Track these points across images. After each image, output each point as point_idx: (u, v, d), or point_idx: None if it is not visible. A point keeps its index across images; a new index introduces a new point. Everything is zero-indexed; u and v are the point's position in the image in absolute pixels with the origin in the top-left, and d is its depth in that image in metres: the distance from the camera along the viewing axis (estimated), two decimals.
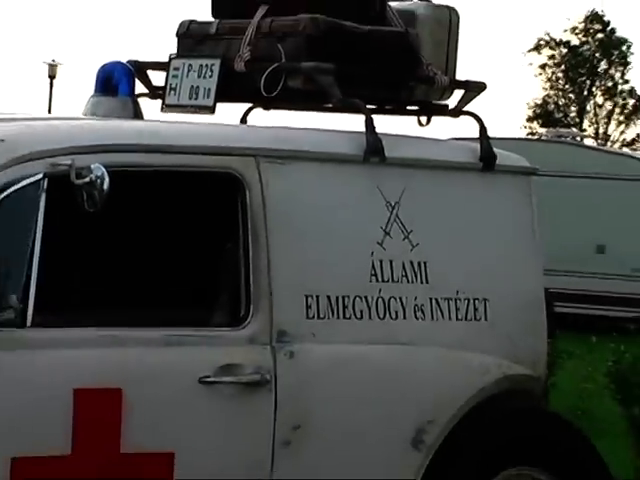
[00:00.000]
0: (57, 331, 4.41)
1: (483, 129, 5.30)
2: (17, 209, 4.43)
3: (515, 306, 5.33)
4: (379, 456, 4.90)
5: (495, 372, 5.18)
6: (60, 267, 4.59)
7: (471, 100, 5.45)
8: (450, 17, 5.44)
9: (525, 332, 5.36)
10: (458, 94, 5.56)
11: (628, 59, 57.15)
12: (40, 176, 4.36)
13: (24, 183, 4.36)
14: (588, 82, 55.77)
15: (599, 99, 56.01)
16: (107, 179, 4.24)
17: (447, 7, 5.51)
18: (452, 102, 5.64)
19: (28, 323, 4.30)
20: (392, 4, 5.36)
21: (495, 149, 5.29)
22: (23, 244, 4.38)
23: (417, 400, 4.96)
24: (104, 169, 4.25)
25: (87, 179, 4.24)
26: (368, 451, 4.89)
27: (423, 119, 5.61)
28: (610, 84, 55.75)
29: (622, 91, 55.50)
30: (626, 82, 55.83)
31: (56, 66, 39.47)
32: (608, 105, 55.73)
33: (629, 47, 56.89)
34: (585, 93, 56.10)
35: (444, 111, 5.59)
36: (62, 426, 4.30)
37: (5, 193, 4.32)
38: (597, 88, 56.14)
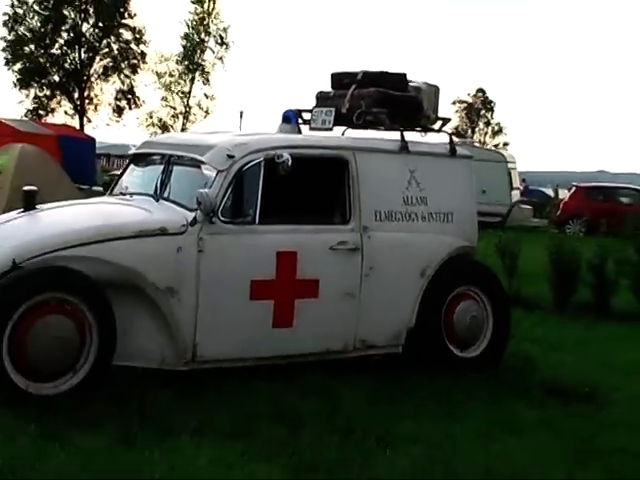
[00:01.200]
0: (269, 226, 7.44)
1: (451, 138, 8.81)
2: (252, 175, 7.41)
3: (465, 215, 8.72)
4: (407, 279, 8.14)
5: (457, 245, 8.57)
6: (269, 197, 7.38)
7: (445, 125, 8.92)
8: (435, 89, 8.89)
9: (469, 227, 8.79)
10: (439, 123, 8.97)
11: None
12: (262, 159, 7.47)
13: (254, 162, 7.44)
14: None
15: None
16: (290, 160, 7.29)
17: (434, 85, 8.88)
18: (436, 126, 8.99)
19: (257, 222, 7.43)
20: (411, 84, 8.73)
21: (455, 146, 8.80)
22: (254, 189, 7.37)
23: (423, 255, 8.26)
24: (289, 155, 7.31)
25: (282, 160, 7.30)
26: (401, 278, 8.08)
27: (423, 134, 8.95)
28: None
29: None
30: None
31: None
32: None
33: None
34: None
35: (433, 130, 9.01)
36: (272, 267, 7.40)
37: (246, 167, 7.40)
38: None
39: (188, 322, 7.26)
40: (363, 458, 6.02)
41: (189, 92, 54.19)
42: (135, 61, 54.26)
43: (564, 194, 40.92)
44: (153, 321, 7.23)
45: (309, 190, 8.14)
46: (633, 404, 8.12)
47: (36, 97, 53.17)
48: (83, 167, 32.01)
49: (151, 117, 54.71)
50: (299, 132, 8.95)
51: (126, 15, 52.94)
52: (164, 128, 52.81)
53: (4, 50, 52.31)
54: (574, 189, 32.99)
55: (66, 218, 7.56)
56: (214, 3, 54.28)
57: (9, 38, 52.25)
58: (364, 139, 8.65)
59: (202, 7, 54.43)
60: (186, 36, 54.51)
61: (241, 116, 46.44)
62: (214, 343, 7.40)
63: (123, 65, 53.83)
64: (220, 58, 54.78)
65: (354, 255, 7.94)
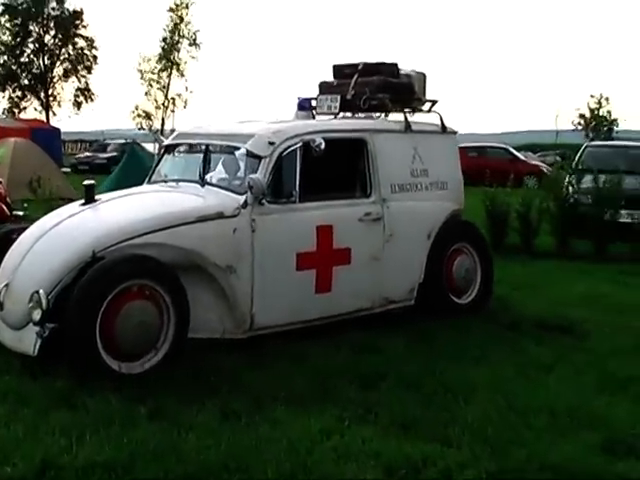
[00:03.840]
0: (308, 204, 6.62)
1: (441, 117, 7.98)
2: (290, 159, 6.55)
3: (455, 183, 8.00)
4: (417, 241, 7.40)
5: (451, 208, 7.85)
6: (305, 178, 6.57)
7: (433, 106, 8.05)
8: (423, 75, 8.07)
9: (459, 192, 8.07)
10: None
11: None
12: (299, 144, 6.61)
13: (293, 147, 6.57)
14: None
15: None
16: (323, 143, 6.52)
17: (421, 72, 8.04)
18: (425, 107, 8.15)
19: (297, 201, 6.57)
20: (402, 72, 7.93)
21: (445, 124, 8.01)
22: (293, 171, 6.54)
23: (429, 220, 7.53)
24: (321, 139, 6.55)
25: (316, 144, 6.51)
26: (413, 241, 7.35)
27: (411, 114, 8.03)
28: None
29: None
30: None
31: None
32: None
33: None
34: None
35: (423, 111, 8.18)
36: (313, 240, 6.57)
37: (286, 152, 6.52)
38: None
39: (245, 295, 6.35)
40: (445, 411, 5.19)
41: (167, 85, 52.63)
42: (89, 63, 52.87)
43: None
44: (215, 296, 6.29)
45: (337, 169, 7.23)
46: (609, 334, 7.48)
47: (10, 98, 52.26)
48: (52, 152, 32.01)
49: (137, 109, 53.40)
50: (313, 118, 8.01)
51: (80, 26, 51.07)
52: (148, 118, 51.56)
53: None
54: None
55: (131, 208, 6.48)
56: (186, 11, 53.55)
57: None
58: (377, 121, 7.80)
59: (176, 14, 53.38)
60: (164, 39, 53.36)
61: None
62: (268, 312, 6.49)
63: (79, 68, 52.17)
64: (193, 57, 53.94)
65: (377, 224, 7.17)
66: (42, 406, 5.02)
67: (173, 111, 53.39)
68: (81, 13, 51.65)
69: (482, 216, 12.63)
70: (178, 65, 53.07)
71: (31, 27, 51.67)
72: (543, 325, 7.63)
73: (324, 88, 8.09)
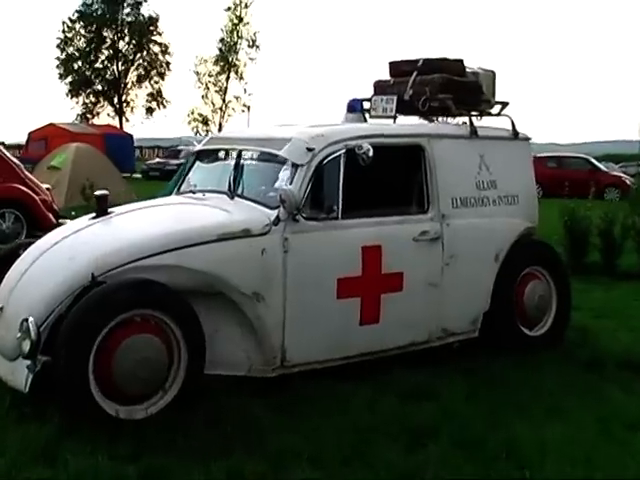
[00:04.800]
0: (352, 220, 5.68)
1: (512, 121, 6.90)
2: (332, 167, 5.63)
3: (528, 196, 6.90)
4: (483, 264, 6.38)
5: (523, 225, 6.76)
6: (350, 190, 5.62)
7: (504, 109, 7.07)
8: (492, 73, 7.05)
9: (532, 208, 6.96)
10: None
11: None
12: (343, 151, 5.66)
13: (335, 154, 5.65)
14: None
15: None
16: (371, 150, 5.50)
17: (490, 70, 7.03)
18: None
19: (340, 217, 5.62)
20: (468, 70, 6.93)
21: (517, 129, 6.91)
22: (336, 183, 5.62)
23: (497, 240, 6.50)
24: (369, 145, 5.53)
25: (362, 151, 5.51)
26: (478, 263, 6.33)
27: (479, 118, 7.04)
28: None
29: None
30: None
31: None
32: None
33: None
34: None
35: (492, 114, 7.16)
36: (357, 262, 5.62)
37: (327, 160, 5.60)
38: None
39: (276, 326, 5.41)
40: None
41: (225, 89, 51.83)
42: (162, 70, 52.49)
43: None
44: (239, 327, 5.37)
45: (388, 180, 6.21)
46: None
47: (84, 103, 52.72)
48: (124, 159, 32.65)
49: (193, 113, 52.61)
50: (365, 121, 7.03)
51: (155, 33, 51.11)
52: (205, 122, 50.93)
53: (58, 67, 52.10)
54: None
55: (142, 224, 5.60)
56: (245, 11, 51.96)
57: (61, 57, 51.97)
58: (436, 125, 6.84)
59: (234, 14, 51.98)
60: (221, 40, 52.21)
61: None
62: (302, 346, 5.56)
63: (152, 74, 52.03)
64: (252, 59, 52.52)
65: (435, 244, 6.14)
66: (18, 459, 4.24)
67: (230, 115, 52.59)
68: (156, 19, 51.75)
69: (560, 232, 11.52)
70: (237, 67, 51.96)
71: (105, 33, 52.04)
72: (630, 365, 6.50)
73: (379, 88, 7.12)
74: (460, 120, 7.29)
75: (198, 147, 6.80)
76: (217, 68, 51.33)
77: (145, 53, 52.32)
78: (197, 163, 6.76)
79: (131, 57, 52.39)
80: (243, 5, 51.52)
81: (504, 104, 7.15)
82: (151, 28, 51.61)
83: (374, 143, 5.77)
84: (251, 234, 5.34)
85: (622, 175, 29.72)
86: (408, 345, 6.12)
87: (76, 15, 51.41)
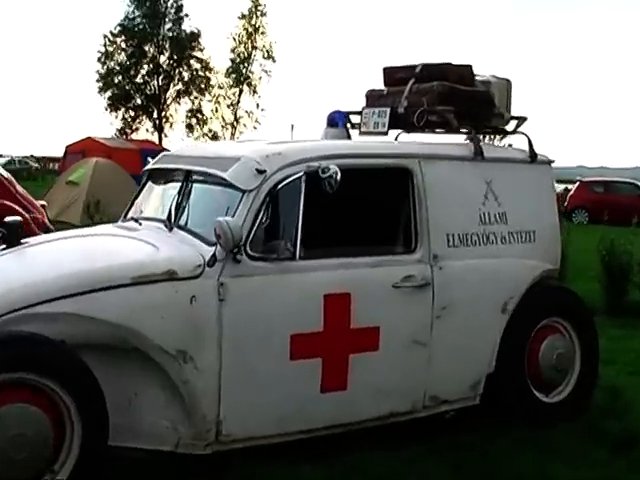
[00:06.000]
0: (313, 261, 4.57)
1: (530, 141, 5.74)
2: (289, 195, 4.54)
3: (548, 232, 5.71)
4: (487, 316, 5.22)
5: (541, 269, 5.58)
6: (312, 223, 4.54)
7: (520, 125, 5.89)
8: (507, 82, 5.88)
9: (552, 246, 5.78)
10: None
11: None
12: (302, 174, 4.54)
13: (292, 178, 4.53)
14: None
15: None
16: (338, 173, 4.40)
17: (505, 79, 5.87)
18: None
19: (297, 257, 4.49)
20: (477, 78, 5.78)
21: (535, 150, 5.70)
22: (293, 214, 4.53)
23: (505, 286, 5.29)
24: (336, 168, 4.42)
25: (328, 174, 4.41)
26: (480, 316, 5.17)
27: (492, 138, 6.42)
28: None
29: None
30: None
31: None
32: None
33: None
34: None
35: (507, 132, 6.06)
36: (318, 315, 4.51)
37: (282, 184, 4.49)
38: None
39: (209, 393, 4.30)
40: None
41: (237, 103, 50.07)
42: (202, 86, 51.64)
43: (557, 188, 39.28)
44: (163, 391, 4.28)
45: (363, 211, 5.02)
46: None
47: (123, 118, 51.80)
48: None
49: (202, 128, 51.10)
50: (348, 137, 5.89)
51: (196, 49, 50.44)
52: (214, 138, 49.38)
53: (98, 81, 51.24)
54: (578, 183, 29.95)
55: (46, 261, 4.51)
56: (261, 19, 49.31)
57: (101, 71, 51.12)
58: (430, 144, 5.55)
59: (249, 23, 49.60)
60: (234, 50, 50.02)
61: (292, 129, 42.82)
62: (245, 418, 4.43)
63: (192, 89, 51.21)
64: (266, 71, 49.89)
65: (423, 292, 4.94)
66: None
67: (242, 132, 50.19)
68: (198, 35, 51.05)
69: (598, 266, 10.24)
70: (250, 80, 49.49)
71: (146, 48, 51.27)
72: None
73: (371, 99, 5.95)
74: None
75: (148, 166, 5.68)
76: (229, 80, 49.60)
77: (185, 68, 51.63)
78: (148, 184, 5.68)
79: (171, 72, 51.83)
80: (259, 13, 48.98)
81: (521, 119, 5.94)
82: (193, 44, 50.91)
83: (345, 165, 4.63)
84: (177, 277, 4.22)
85: None
86: (386, 416, 4.92)
87: (118, 29, 50.91)
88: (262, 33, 49.25)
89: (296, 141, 5.21)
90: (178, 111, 52.38)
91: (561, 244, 10.08)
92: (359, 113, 5.89)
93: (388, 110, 5.68)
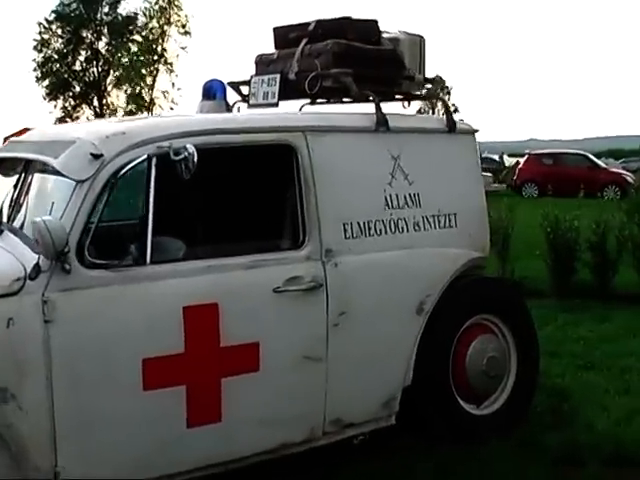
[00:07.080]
0: (168, 266, 3.74)
1: (447, 107, 5.08)
2: (133, 183, 3.95)
3: (473, 214, 4.97)
4: (398, 320, 4.45)
5: (465, 258, 4.82)
6: (166, 218, 3.79)
7: (436, 90, 5.29)
8: (420, 40, 5.09)
9: (479, 230, 5.03)
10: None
11: None
12: (153, 158, 3.69)
13: (136, 163, 3.67)
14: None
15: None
16: (195, 155, 3.61)
17: (417, 35, 5.11)
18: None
19: (147, 261, 3.64)
20: (385, 35, 4.99)
21: (454, 118, 4.91)
22: (141, 204, 3.91)
23: (420, 282, 4.54)
24: (193, 147, 3.61)
25: (182, 156, 3.62)
26: (389, 321, 4.41)
27: (406, 104, 5.24)
28: None
29: None
30: None
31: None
32: None
33: None
34: None
35: (420, 97, 5.31)
36: (177, 332, 3.66)
37: (124, 171, 3.63)
38: None
39: (39, 437, 3.40)
40: None
41: (153, 83, 47.70)
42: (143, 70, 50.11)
43: (508, 161, 39.41)
44: None
45: (235, 200, 4.25)
46: None
47: (63, 107, 50.27)
48: None
49: (116, 111, 48.01)
50: (228, 110, 5.01)
51: (134, 32, 48.95)
52: None
53: (35, 70, 49.79)
54: (527, 156, 29.53)
55: None
56: None
57: (38, 59, 49.60)
58: (320, 114, 4.68)
59: None
60: (146, 26, 46.41)
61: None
62: (90, 466, 3.51)
63: (133, 75, 49.67)
64: (183, 47, 46.44)
65: (314, 297, 4.06)
66: None
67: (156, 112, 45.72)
68: (135, 18, 49.50)
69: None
70: (166, 58, 46.03)
71: (83, 34, 49.74)
72: (622, 459, 4.47)
73: (261, 65, 5.08)
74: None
75: None
76: (143, 59, 46.60)
77: (125, 53, 50.12)
78: None
79: (111, 58, 50.39)
80: None
81: (436, 82, 5.12)
82: (130, 27, 49.43)
83: (209, 143, 3.78)
84: None
85: (622, 172, 28.19)
86: (276, 449, 4.05)
87: (53, 16, 49.42)
88: (176, 6, 45.67)
89: (153, 117, 4.28)
90: (120, 97, 50.88)
91: (504, 222, 9.52)
92: (247, 83, 5.02)
93: (278, 77, 4.83)
